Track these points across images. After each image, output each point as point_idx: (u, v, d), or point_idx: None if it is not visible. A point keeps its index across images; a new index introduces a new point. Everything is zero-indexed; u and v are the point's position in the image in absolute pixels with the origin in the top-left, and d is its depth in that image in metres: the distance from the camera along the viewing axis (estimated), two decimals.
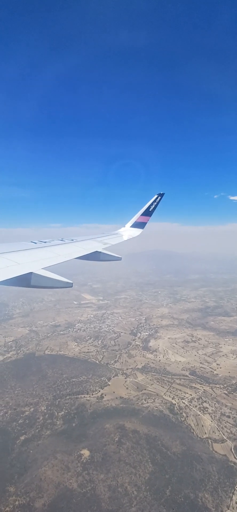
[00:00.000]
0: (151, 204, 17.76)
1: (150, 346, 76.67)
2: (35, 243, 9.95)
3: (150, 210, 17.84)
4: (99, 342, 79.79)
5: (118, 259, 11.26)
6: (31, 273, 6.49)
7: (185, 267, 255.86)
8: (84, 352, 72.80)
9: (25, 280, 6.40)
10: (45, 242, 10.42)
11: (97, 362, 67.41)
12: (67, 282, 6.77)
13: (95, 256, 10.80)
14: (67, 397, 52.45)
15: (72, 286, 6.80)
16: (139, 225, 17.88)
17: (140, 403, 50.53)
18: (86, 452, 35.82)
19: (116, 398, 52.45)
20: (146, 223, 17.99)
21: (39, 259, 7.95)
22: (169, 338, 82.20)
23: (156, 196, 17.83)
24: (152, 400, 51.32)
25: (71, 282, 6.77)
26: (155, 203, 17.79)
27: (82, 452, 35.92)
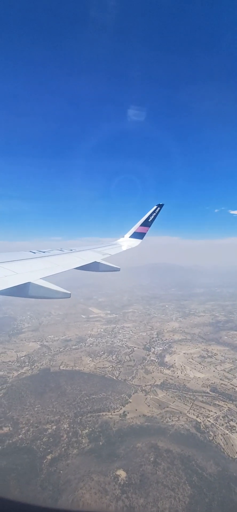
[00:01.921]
0: (151, 214, 17.64)
1: (166, 362, 75.47)
2: (34, 253, 9.82)
3: (149, 220, 17.68)
4: (114, 357, 78.55)
5: (117, 269, 11.06)
6: (29, 283, 6.39)
7: (189, 280, 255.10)
8: (100, 367, 71.53)
9: (23, 290, 6.30)
10: (44, 252, 10.28)
11: (115, 378, 66.16)
12: (65, 293, 6.61)
13: (94, 266, 10.60)
14: (89, 415, 51.21)
15: (70, 297, 6.65)
16: (138, 235, 17.71)
17: (165, 421, 49.34)
18: (122, 473, 34.66)
19: (139, 416, 51.27)
20: (145, 233, 17.83)
21: (37, 269, 7.84)
22: (184, 353, 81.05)
23: (155, 206, 17.75)
24: (177, 418, 50.15)
25: (69, 292, 6.61)
26: (154, 213, 17.67)
27: (118, 473, 34.76)
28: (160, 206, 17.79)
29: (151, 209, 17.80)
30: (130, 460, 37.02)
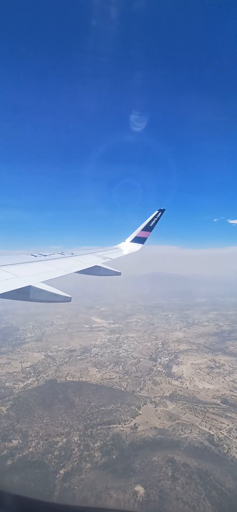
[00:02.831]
0: (152, 219, 17.68)
1: (174, 373, 74.54)
2: (35, 256, 9.74)
3: (151, 225, 17.70)
4: (120, 368, 77.54)
5: (118, 274, 10.96)
6: (30, 286, 6.31)
7: (190, 290, 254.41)
8: (107, 378, 70.49)
9: (24, 294, 6.22)
10: (45, 255, 10.21)
11: (123, 389, 65.16)
12: (66, 297, 6.55)
13: (94, 270, 10.50)
14: (99, 427, 50.18)
15: (70, 301, 6.58)
16: (139, 240, 17.68)
17: (177, 433, 48.40)
18: (140, 489, 33.72)
19: (151, 428, 50.31)
20: (146, 238, 17.82)
21: (38, 273, 7.76)
22: (191, 363, 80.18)
23: (156, 211, 17.80)
24: (189, 431, 49.22)
25: (70, 296, 6.55)
26: (156, 218, 17.71)
27: (136, 488, 33.81)
28: (162, 211, 17.86)
29: (152, 214, 17.89)
30: (147, 475, 36.06)
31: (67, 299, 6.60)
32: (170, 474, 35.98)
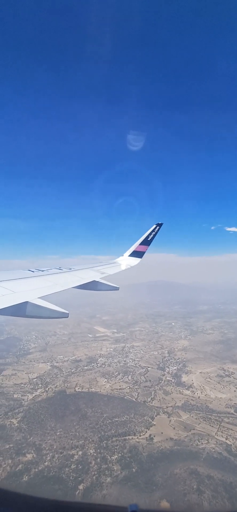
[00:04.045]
0: (150, 233, 17.71)
1: (184, 382, 73.77)
2: (33, 271, 9.64)
3: (149, 239, 17.72)
4: (129, 378, 76.56)
5: (116, 289, 10.94)
6: (26, 302, 6.24)
7: (191, 298, 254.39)
8: (117, 389, 69.46)
9: (21, 310, 6.15)
10: (42, 270, 10.11)
11: (134, 400, 64.21)
12: (63, 313, 6.46)
13: (92, 285, 10.47)
14: (114, 439, 49.21)
15: (68, 317, 6.50)
16: (137, 254, 17.60)
17: (194, 444, 47.64)
18: (166, 504, 32.83)
19: (167, 439, 49.47)
20: (144, 252, 17.76)
21: (35, 288, 7.71)
22: (200, 372, 79.49)
23: (154, 225, 17.83)
24: (206, 441, 48.49)
25: (67, 312, 6.46)
26: (154, 232, 17.73)
27: (162, 504, 32.90)
28: (159, 225, 17.85)
29: (150, 228, 17.88)
30: (172, 489, 35.28)
31: (64, 315, 6.50)
32: (195, 487, 35.18)
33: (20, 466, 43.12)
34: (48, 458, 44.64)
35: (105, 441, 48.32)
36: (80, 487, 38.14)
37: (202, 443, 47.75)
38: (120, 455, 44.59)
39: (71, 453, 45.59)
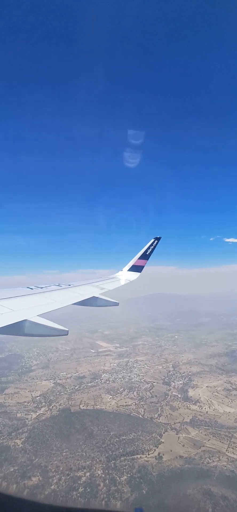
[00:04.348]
0: (148, 247, 17.82)
1: (191, 397, 72.26)
2: (31, 288, 9.60)
3: (147, 253, 17.83)
4: (135, 393, 74.95)
5: (116, 304, 10.93)
6: (25, 320, 6.17)
7: (192, 309, 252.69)
8: (123, 405, 67.85)
9: (20, 328, 6.09)
10: (41, 287, 10.04)
11: (141, 416, 62.68)
12: (63, 330, 6.39)
13: (92, 301, 10.44)
14: (122, 458, 47.71)
15: (67, 334, 6.43)
16: (136, 268, 17.68)
17: (205, 462, 46.23)
18: None
19: (176, 457, 48.02)
20: (143, 266, 17.86)
21: (34, 306, 7.60)
22: (207, 386, 78.00)
23: (153, 240, 17.96)
24: (217, 459, 47.07)
25: (67, 329, 6.41)
26: (152, 246, 17.85)
27: None
28: (158, 239, 17.99)
29: (148, 242, 17.99)
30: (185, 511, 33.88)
31: (63, 333, 6.42)
32: (210, 510, 33.77)
33: (26, 491, 41.51)
34: (55, 481, 43.10)
35: (113, 461, 46.82)
36: None
37: (213, 461, 46.33)
38: (129, 475, 43.12)
39: (78, 474, 44.07)
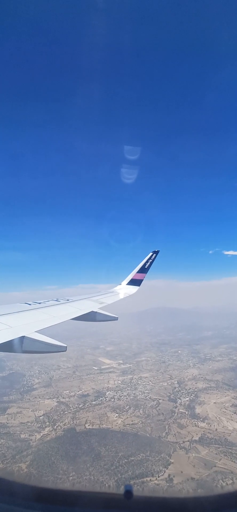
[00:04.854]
0: (147, 261, 17.86)
1: (198, 414, 70.48)
2: (29, 304, 9.51)
3: (146, 267, 17.86)
4: (141, 411, 73.14)
5: (115, 319, 10.85)
6: (23, 337, 6.12)
7: (194, 323, 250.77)
8: (129, 424, 66.05)
9: (17, 345, 6.04)
10: (39, 303, 9.97)
11: (148, 435, 60.95)
12: (61, 346, 6.41)
13: (91, 316, 10.35)
14: (132, 482, 45.89)
15: (66, 350, 6.43)
16: (135, 282, 17.68)
17: (218, 484, 44.48)
18: None
19: (188, 479, 46.33)
20: (142, 280, 17.82)
21: (33, 322, 7.60)
22: (214, 403, 76.23)
23: (151, 253, 18.03)
24: (231, 481, 45.36)
25: (65, 346, 6.42)
26: (151, 260, 17.91)
27: None
28: (156, 252, 18.08)
29: (147, 255, 18.06)
30: None
31: (62, 349, 6.39)
32: None
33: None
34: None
35: (122, 486, 44.91)
36: None
37: (226, 483, 44.63)
38: None
39: None
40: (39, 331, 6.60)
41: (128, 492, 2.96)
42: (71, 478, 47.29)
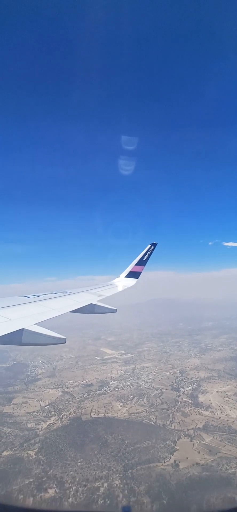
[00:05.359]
0: (145, 253, 18.02)
1: (202, 402, 71.75)
2: (28, 297, 9.63)
3: (144, 259, 18.04)
4: (145, 400, 74.33)
5: (113, 311, 10.97)
6: (22, 329, 6.20)
7: (193, 314, 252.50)
8: (134, 413, 67.22)
9: (17, 337, 6.12)
10: (38, 296, 10.09)
11: (153, 423, 62.09)
12: (60, 338, 6.42)
13: (89, 308, 10.51)
14: (139, 467, 47.12)
15: (65, 342, 6.43)
16: (133, 274, 17.86)
17: (223, 469, 45.76)
18: None
19: (193, 465, 47.50)
20: (140, 272, 18.05)
21: (32, 314, 7.64)
22: (217, 391, 77.51)
23: (149, 246, 18.20)
24: (235, 465, 46.52)
25: (64, 338, 6.43)
26: (149, 252, 18.09)
27: None
28: (154, 245, 18.23)
29: (145, 248, 18.22)
30: None
31: (61, 341, 6.39)
32: None
33: (43, 504, 40.76)
34: (72, 492, 42.37)
35: (130, 471, 46.19)
36: None
37: (231, 467, 45.85)
38: (147, 485, 42.51)
39: (96, 485, 43.37)
40: (39, 324, 6.67)
41: None
42: (79, 464, 48.37)
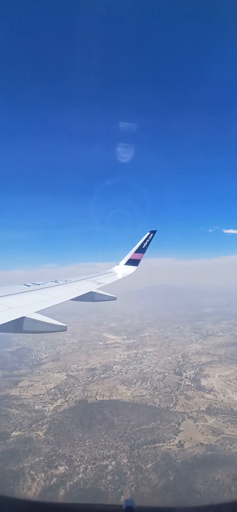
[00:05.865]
0: (144, 241, 18.11)
1: (204, 386, 73.47)
2: (29, 285, 9.73)
3: (143, 247, 18.14)
4: (148, 384, 76.07)
5: (113, 298, 11.08)
6: (23, 317, 6.30)
7: (194, 301, 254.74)
8: (138, 396, 68.96)
9: (18, 325, 6.23)
10: (38, 284, 10.23)
11: (157, 406, 63.80)
12: (61, 326, 6.50)
13: (89, 296, 10.61)
14: (145, 447, 48.74)
15: (66, 330, 6.56)
16: (133, 262, 17.97)
17: (227, 448, 47.41)
18: None
19: (197, 445, 49.14)
20: (140, 260, 18.16)
21: (32, 303, 7.76)
22: (219, 375, 79.25)
23: (148, 233, 18.28)
24: None
25: (65, 325, 6.53)
26: (148, 240, 18.17)
27: None
28: (153, 232, 18.30)
29: (144, 235, 18.29)
30: (217, 496, 34.89)
31: (62, 328, 6.46)
32: None
33: (54, 479, 42.43)
34: (81, 469, 44.00)
35: (136, 450, 47.80)
36: (122, 500, 37.54)
37: (235, 447, 47.47)
38: (154, 463, 44.13)
39: (104, 463, 44.99)
40: (39, 312, 6.75)
41: (129, 508, 2.86)
42: (87, 443, 50.02)
